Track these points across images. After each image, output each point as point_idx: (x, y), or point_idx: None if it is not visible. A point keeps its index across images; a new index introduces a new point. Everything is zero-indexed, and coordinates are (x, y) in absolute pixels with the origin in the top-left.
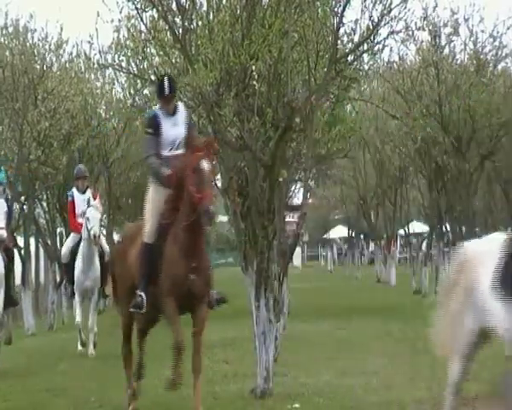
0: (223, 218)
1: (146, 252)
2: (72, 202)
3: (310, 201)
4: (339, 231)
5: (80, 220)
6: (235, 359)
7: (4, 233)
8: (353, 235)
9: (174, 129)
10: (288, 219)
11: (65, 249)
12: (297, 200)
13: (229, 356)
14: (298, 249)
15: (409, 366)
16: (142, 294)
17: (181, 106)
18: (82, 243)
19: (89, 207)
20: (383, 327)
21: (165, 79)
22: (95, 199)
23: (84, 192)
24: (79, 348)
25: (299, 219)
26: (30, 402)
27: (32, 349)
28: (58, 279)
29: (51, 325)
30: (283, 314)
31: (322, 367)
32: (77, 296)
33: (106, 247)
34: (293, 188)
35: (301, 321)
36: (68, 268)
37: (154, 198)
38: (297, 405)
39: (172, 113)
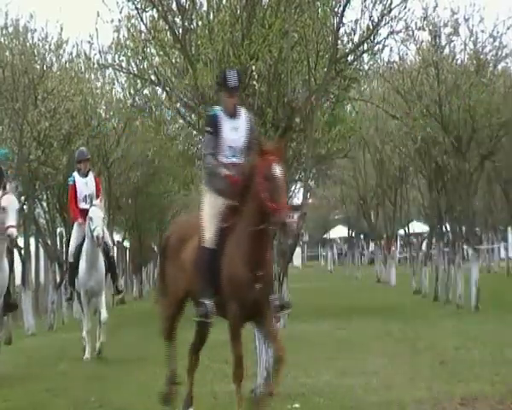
0: None
1: (208, 258)
2: (74, 186)
3: (310, 201)
4: (339, 231)
5: (82, 205)
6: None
7: (15, 232)
8: (353, 235)
9: (234, 133)
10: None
11: (71, 248)
12: (297, 200)
13: (230, 356)
14: (298, 249)
15: (409, 366)
16: (208, 302)
17: (243, 111)
18: (85, 242)
19: (92, 207)
20: (383, 327)
21: (232, 70)
22: (98, 189)
23: (85, 175)
24: (86, 355)
25: (299, 219)
26: (30, 402)
27: (32, 349)
28: (58, 279)
29: (51, 325)
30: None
31: (322, 367)
32: (83, 297)
33: (109, 241)
34: (293, 188)
35: (301, 321)
36: (72, 268)
37: (211, 202)
38: (297, 405)
39: (234, 115)
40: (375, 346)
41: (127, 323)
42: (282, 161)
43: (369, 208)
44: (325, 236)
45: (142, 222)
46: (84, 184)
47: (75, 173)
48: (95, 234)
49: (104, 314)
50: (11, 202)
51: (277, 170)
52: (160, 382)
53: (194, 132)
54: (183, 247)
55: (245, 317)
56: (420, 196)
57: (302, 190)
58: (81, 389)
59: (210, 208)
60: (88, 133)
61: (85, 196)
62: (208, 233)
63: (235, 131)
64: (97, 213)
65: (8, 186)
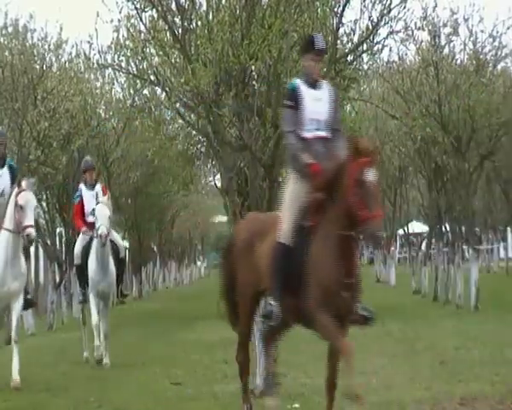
0: (223, 218)
1: (281, 254)
2: (81, 200)
3: None
4: None
5: (90, 219)
6: (235, 359)
7: (33, 232)
8: None
9: (317, 105)
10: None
11: (76, 250)
12: None
13: (229, 356)
14: None
15: (409, 366)
16: (275, 304)
17: (325, 84)
18: (94, 242)
19: (97, 205)
20: (383, 327)
21: (317, 34)
22: (104, 194)
23: (93, 187)
24: (85, 354)
25: None
26: (30, 402)
27: (32, 349)
28: (58, 279)
29: (51, 325)
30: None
31: (323, 367)
32: (92, 298)
33: (119, 242)
34: None
35: None
36: (80, 270)
37: (293, 191)
38: (297, 405)
39: (315, 84)
40: (375, 346)
41: (127, 323)
42: (375, 164)
43: None
44: None
45: (141, 222)
46: (92, 196)
47: (81, 186)
48: (99, 232)
49: (105, 327)
50: (29, 199)
51: (371, 175)
52: (160, 382)
53: (194, 132)
54: (258, 242)
55: None
56: (419, 196)
57: None
58: (81, 389)
59: (292, 197)
60: (88, 133)
61: (93, 210)
62: (286, 226)
63: (319, 101)
64: (103, 212)
65: (23, 183)
